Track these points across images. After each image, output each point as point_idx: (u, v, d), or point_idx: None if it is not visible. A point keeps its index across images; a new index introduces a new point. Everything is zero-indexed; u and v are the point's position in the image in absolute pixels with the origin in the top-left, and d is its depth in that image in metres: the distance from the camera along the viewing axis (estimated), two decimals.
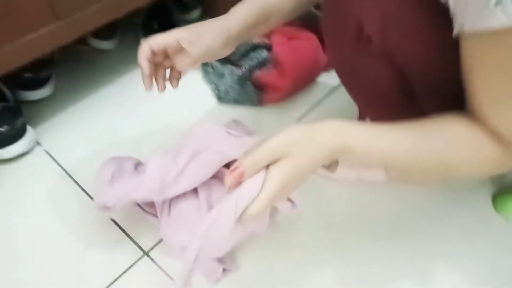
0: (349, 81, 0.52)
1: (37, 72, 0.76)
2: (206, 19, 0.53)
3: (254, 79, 0.83)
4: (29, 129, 0.71)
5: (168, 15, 0.91)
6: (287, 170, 0.39)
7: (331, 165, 0.67)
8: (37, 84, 0.77)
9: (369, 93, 0.50)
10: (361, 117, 0.71)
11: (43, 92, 0.78)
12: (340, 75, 0.52)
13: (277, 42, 0.86)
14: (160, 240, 0.61)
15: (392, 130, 0.41)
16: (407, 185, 0.69)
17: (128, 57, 0.89)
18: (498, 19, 0.32)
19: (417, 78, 0.45)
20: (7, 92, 0.72)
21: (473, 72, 0.38)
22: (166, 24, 0.87)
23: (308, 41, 0.85)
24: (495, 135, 0.39)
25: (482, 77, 0.38)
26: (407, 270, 0.60)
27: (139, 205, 0.61)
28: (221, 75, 0.85)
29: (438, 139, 0.41)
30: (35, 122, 0.75)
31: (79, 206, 0.64)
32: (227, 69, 0.86)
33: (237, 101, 0.81)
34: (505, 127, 0.38)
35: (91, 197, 0.65)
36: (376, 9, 0.40)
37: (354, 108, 0.68)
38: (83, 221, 0.63)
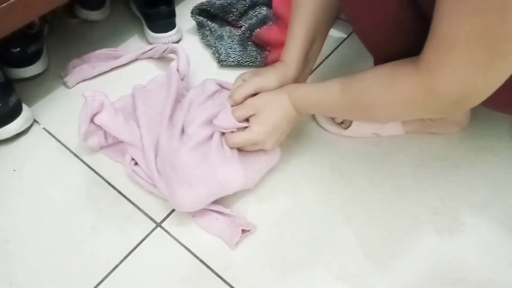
0: (361, 12, 0.47)
1: (25, 47, 0.72)
2: None
3: (255, 38, 0.78)
4: (25, 107, 0.67)
5: None
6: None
7: (344, 121, 0.64)
8: (28, 60, 0.73)
9: (382, 22, 0.46)
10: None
11: (35, 69, 0.74)
12: (351, 11, 0.48)
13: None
14: (172, 211, 0.58)
15: (329, 82, 0.51)
16: (426, 135, 0.65)
17: (119, 27, 0.85)
18: None
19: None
20: None
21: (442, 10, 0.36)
22: None
23: None
24: (421, 65, 0.40)
25: (447, 16, 0.36)
26: (432, 222, 0.57)
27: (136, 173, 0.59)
28: (220, 37, 0.80)
29: (361, 81, 0.48)
30: (31, 100, 0.72)
31: (85, 182, 0.62)
32: (226, 31, 0.81)
33: (239, 63, 0.77)
34: (445, 62, 0.38)
35: (96, 172, 0.63)
36: None
37: (360, 61, 0.64)
38: (91, 196, 0.60)
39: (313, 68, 0.65)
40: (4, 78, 0.67)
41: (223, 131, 0.57)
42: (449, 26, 0.36)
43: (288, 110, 0.54)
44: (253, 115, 0.55)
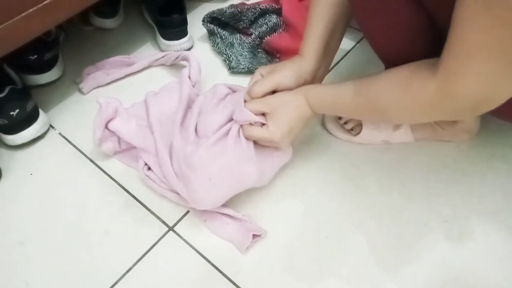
0: (371, 27, 0.48)
1: (42, 54, 0.74)
2: None
3: (265, 46, 0.79)
4: (41, 113, 0.69)
5: None
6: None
7: (354, 128, 0.64)
8: (44, 67, 0.75)
9: (392, 40, 0.47)
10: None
11: (51, 75, 0.76)
12: (363, 20, 0.49)
13: (287, 5, 0.82)
14: (185, 214, 0.59)
15: (344, 84, 0.52)
16: (436, 143, 0.66)
17: (132, 35, 0.87)
18: None
19: (444, 18, 0.41)
20: (13, 74, 0.70)
21: (461, 19, 0.36)
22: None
23: None
24: (439, 70, 0.40)
25: (469, 25, 0.36)
26: (441, 229, 0.57)
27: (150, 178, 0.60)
28: (231, 45, 0.82)
29: (376, 85, 0.48)
30: (47, 106, 0.74)
31: (99, 186, 0.63)
32: (236, 38, 0.83)
33: (249, 70, 0.78)
34: (459, 68, 0.38)
35: (110, 177, 0.64)
36: None
37: (371, 68, 0.64)
38: (105, 200, 0.61)
39: (331, 66, 0.64)
40: (21, 84, 0.69)
41: (240, 123, 0.56)
42: (471, 34, 0.36)
43: (304, 111, 0.55)
44: (269, 113, 0.55)
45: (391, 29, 0.47)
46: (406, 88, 0.44)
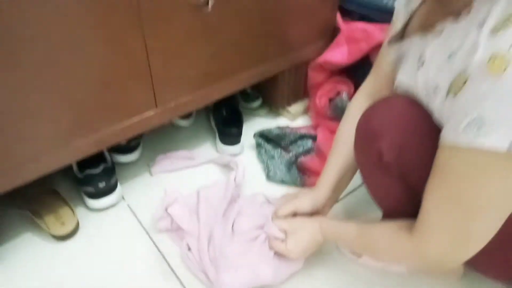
0: (371, 187, 0.65)
1: (129, 141, 0.98)
2: (266, 108, 0.73)
3: (299, 164, 0.99)
4: (119, 186, 0.91)
5: (234, 103, 1.13)
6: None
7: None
8: (129, 150, 0.99)
9: (390, 202, 0.64)
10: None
11: (132, 157, 0.99)
12: (365, 181, 0.66)
13: (322, 135, 1.02)
14: None
15: (349, 224, 0.68)
16: (426, 276, 0.77)
17: (199, 133, 1.10)
18: (464, 138, 0.43)
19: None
20: (107, 155, 0.93)
21: (431, 177, 0.50)
22: (233, 110, 1.09)
23: None
24: (414, 234, 0.54)
25: (435, 185, 0.49)
26: None
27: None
28: (272, 157, 1.02)
29: (371, 234, 0.63)
30: (123, 180, 0.95)
31: (147, 254, 0.80)
32: (277, 153, 1.03)
33: (283, 181, 0.96)
34: (429, 235, 0.52)
35: (158, 249, 0.81)
36: (394, 142, 0.54)
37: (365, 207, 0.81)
38: (148, 267, 0.78)
39: (339, 198, 0.82)
40: (111, 162, 0.92)
41: (267, 234, 0.74)
42: (431, 207, 0.51)
43: (316, 237, 0.71)
44: (290, 232, 0.72)
45: (387, 195, 0.63)
46: (390, 244, 0.59)
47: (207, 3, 0.75)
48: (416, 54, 0.56)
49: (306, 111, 1.18)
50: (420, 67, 0.54)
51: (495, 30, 0.42)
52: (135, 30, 0.70)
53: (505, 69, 0.40)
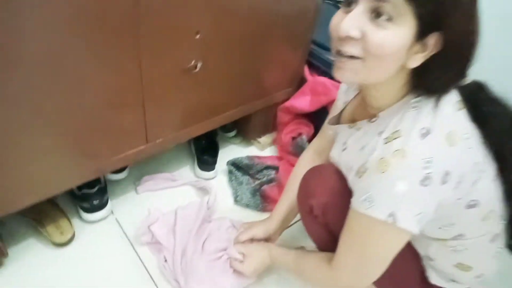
0: (306, 228, 0.87)
1: None
2: (239, 137, 1.08)
3: (262, 192, 1.19)
4: (109, 202, 1.08)
5: (213, 134, 1.31)
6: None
7: None
8: (119, 170, 1.16)
9: (318, 240, 0.85)
10: None
11: (121, 175, 1.16)
12: (302, 222, 0.87)
13: (283, 168, 1.23)
14: None
15: (289, 253, 0.87)
16: None
17: (181, 157, 1.29)
18: (361, 208, 0.63)
19: None
20: (102, 177, 1.10)
21: (343, 229, 0.71)
22: (211, 141, 1.28)
23: None
24: (332, 266, 0.74)
25: (344, 235, 0.71)
26: None
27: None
28: (240, 183, 1.22)
29: (303, 263, 0.83)
30: (112, 196, 1.13)
31: (130, 262, 0.99)
32: (245, 180, 1.23)
33: (247, 205, 1.17)
34: (341, 268, 0.73)
35: (140, 258, 1.00)
36: (320, 201, 0.75)
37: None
38: (129, 273, 0.96)
39: (287, 226, 1.03)
40: (104, 183, 1.09)
41: (229, 255, 0.95)
42: (342, 250, 0.72)
43: (265, 260, 0.91)
44: (246, 255, 0.93)
45: (316, 235, 0.85)
46: (316, 272, 0.79)
47: (195, 67, 0.93)
48: (342, 139, 0.77)
49: (273, 143, 1.38)
50: (343, 150, 0.75)
51: (386, 140, 0.62)
52: (137, 90, 0.88)
53: (386, 170, 0.60)
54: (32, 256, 0.96)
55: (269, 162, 1.26)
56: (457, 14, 0.54)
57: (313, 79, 1.23)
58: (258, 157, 1.28)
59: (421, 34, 0.56)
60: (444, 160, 0.57)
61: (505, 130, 0.64)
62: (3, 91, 0.69)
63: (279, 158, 1.29)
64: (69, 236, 0.99)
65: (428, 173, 0.57)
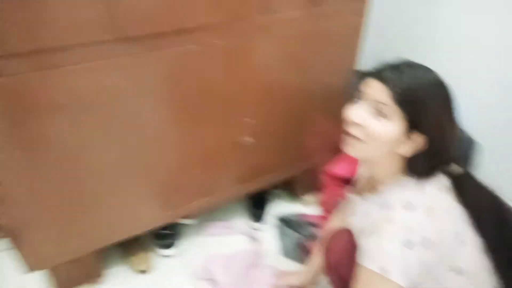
0: (327, 277, 1.03)
1: None
2: (287, 194, 1.51)
3: (304, 246, 1.37)
4: (179, 241, 1.36)
5: (264, 189, 1.56)
6: None
7: None
8: (188, 216, 1.45)
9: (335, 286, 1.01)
10: None
11: (190, 221, 1.45)
12: (325, 273, 1.04)
13: (324, 226, 1.41)
14: None
15: None
16: None
17: (236, 210, 1.54)
18: (366, 263, 0.78)
19: None
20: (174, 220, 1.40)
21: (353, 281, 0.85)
22: (262, 195, 1.52)
23: None
24: None
25: (353, 285, 0.84)
26: None
27: None
28: (286, 236, 1.42)
29: None
30: (182, 236, 1.41)
31: None
32: (290, 233, 1.43)
33: (290, 257, 1.35)
34: None
35: None
36: (336, 258, 0.93)
37: None
38: None
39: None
40: (176, 226, 1.39)
41: None
42: None
43: None
44: None
45: (335, 284, 1.00)
46: None
47: (246, 141, 1.22)
48: (355, 206, 0.95)
49: (317, 202, 1.57)
50: (353, 215, 0.94)
51: (381, 209, 0.80)
52: (199, 154, 1.19)
53: (379, 233, 0.77)
54: (121, 277, 1.27)
55: (314, 220, 1.44)
56: (428, 118, 0.74)
57: None
58: (304, 215, 1.48)
59: (408, 130, 0.76)
60: (423, 228, 0.74)
61: (485, 207, 0.78)
62: (123, 164, 1.04)
63: (323, 218, 1.47)
64: (147, 265, 1.28)
65: (409, 238, 0.73)
